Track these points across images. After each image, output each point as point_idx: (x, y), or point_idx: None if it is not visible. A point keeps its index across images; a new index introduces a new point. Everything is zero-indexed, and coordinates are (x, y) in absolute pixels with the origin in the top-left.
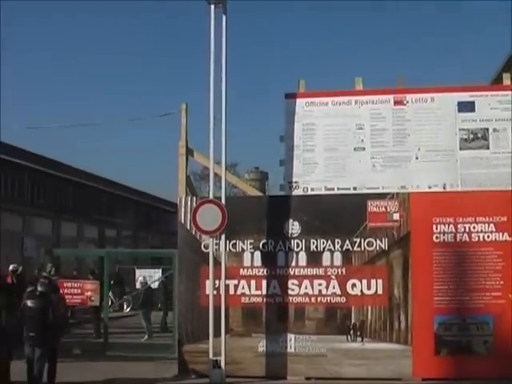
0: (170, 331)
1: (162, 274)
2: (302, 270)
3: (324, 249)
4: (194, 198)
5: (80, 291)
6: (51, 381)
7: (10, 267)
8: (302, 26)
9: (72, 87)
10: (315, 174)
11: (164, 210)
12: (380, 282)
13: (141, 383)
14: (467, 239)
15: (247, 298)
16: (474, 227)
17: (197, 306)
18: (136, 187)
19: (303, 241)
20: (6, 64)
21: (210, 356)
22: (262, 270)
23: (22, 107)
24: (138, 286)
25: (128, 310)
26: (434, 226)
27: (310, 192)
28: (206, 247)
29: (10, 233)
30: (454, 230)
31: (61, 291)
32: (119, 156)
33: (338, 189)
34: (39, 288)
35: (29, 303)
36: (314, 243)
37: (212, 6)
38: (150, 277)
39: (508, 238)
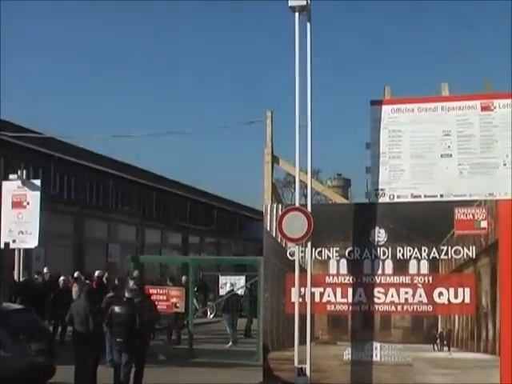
0: (253, 338)
1: (246, 280)
2: (388, 278)
3: (410, 257)
4: (280, 206)
5: (165, 298)
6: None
7: (96, 273)
8: (388, 33)
9: (160, 96)
10: (401, 180)
11: (247, 216)
12: (467, 290)
13: None
14: None
15: (333, 306)
16: None
17: (282, 314)
18: (220, 194)
19: (389, 248)
20: (94, 75)
21: (295, 364)
22: (347, 278)
23: (108, 116)
24: (221, 292)
25: (212, 316)
26: None
27: (396, 199)
28: (292, 255)
29: (96, 239)
30: None
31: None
32: (204, 163)
33: (425, 196)
34: (126, 294)
35: (116, 309)
36: (400, 251)
37: (296, 14)
38: (233, 284)
39: None
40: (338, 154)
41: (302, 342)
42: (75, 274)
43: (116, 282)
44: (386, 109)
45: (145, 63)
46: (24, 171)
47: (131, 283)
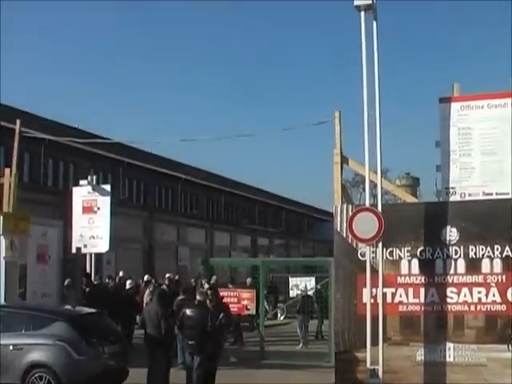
0: (324, 339)
1: (316, 282)
2: (460, 277)
3: (483, 255)
4: (350, 206)
5: (237, 300)
6: None
7: (167, 275)
8: (454, 29)
9: (224, 100)
10: (472, 178)
11: (316, 218)
12: None
13: None
14: None
15: (405, 307)
16: None
17: (353, 315)
18: (288, 196)
19: (461, 248)
20: (160, 79)
21: (368, 365)
22: (419, 278)
23: (174, 120)
24: (291, 294)
25: (282, 318)
26: None
27: (467, 197)
28: (363, 255)
29: (165, 243)
30: None
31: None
32: (272, 165)
33: (496, 194)
34: (198, 297)
35: (188, 312)
36: (472, 250)
37: (362, 13)
38: (305, 285)
39: None
40: (406, 152)
41: (374, 343)
42: (145, 278)
43: (192, 283)
44: (454, 106)
45: (210, 65)
46: (94, 177)
47: (206, 287)
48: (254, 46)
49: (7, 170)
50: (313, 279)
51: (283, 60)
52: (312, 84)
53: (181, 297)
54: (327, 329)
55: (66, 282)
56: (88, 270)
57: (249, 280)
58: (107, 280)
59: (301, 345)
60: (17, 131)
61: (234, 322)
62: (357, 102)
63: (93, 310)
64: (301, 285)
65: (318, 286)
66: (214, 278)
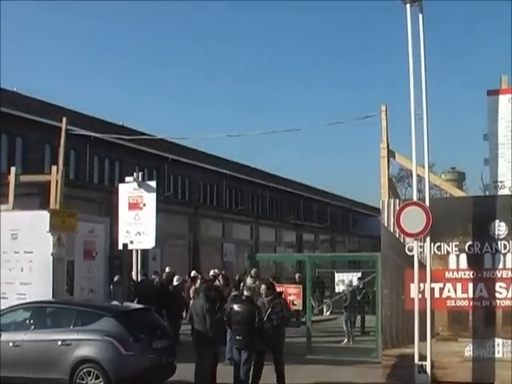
0: (369, 334)
1: (362, 277)
2: (509, 272)
3: None
4: (397, 201)
5: (283, 295)
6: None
7: (211, 272)
8: (501, 20)
9: (271, 94)
10: None
11: (361, 213)
12: None
13: None
14: None
15: (453, 302)
16: None
17: (401, 310)
18: (333, 191)
19: (510, 242)
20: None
21: (416, 361)
22: (468, 273)
23: (221, 116)
24: (337, 289)
25: (328, 313)
26: None
27: None
28: (410, 250)
29: (210, 239)
30: None
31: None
32: (317, 160)
33: None
34: (245, 292)
35: (235, 307)
36: None
37: (408, 6)
38: (351, 280)
39: None
40: (451, 146)
41: (422, 338)
42: (192, 274)
43: (237, 279)
44: (503, 98)
45: (261, 57)
46: (139, 173)
47: (249, 281)
48: (306, 38)
49: (54, 168)
50: (359, 275)
51: (329, 52)
52: (357, 76)
53: (234, 292)
54: (371, 324)
55: (115, 279)
56: (134, 266)
57: (298, 275)
58: (153, 276)
59: (346, 340)
60: (63, 129)
61: (291, 317)
62: (402, 96)
63: (140, 306)
64: (347, 280)
65: (363, 282)
66: (253, 271)
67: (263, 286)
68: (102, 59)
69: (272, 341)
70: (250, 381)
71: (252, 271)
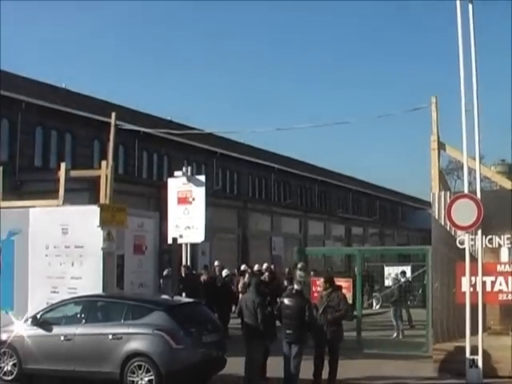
0: (416, 329)
1: (412, 271)
2: None
3: None
4: (448, 193)
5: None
6: (331, 378)
7: (255, 267)
8: None
9: (321, 87)
10: None
11: (410, 206)
12: None
13: (396, 381)
14: None
15: (505, 295)
16: None
17: (452, 304)
18: (382, 184)
19: None
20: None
21: (467, 355)
22: None
23: (271, 110)
24: (387, 283)
25: (378, 307)
26: None
27: None
28: (462, 243)
29: (259, 232)
30: None
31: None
32: (366, 153)
33: None
34: (295, 286)
35: (286, 301)
36: None
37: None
38: (397, 274)
39: None
40: (499, 138)
41: (474, 332)
42: (242, 267)
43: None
44: None
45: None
46: (188, 168)
47: (299, 275)
48: (355, 31)
49: (103, 163)
50: (409, 268)
51: (380, 45)
52: (411, 69)
53: (290, 287)
54: (417, 318)
55: (164, 272)
56: (184, 260)
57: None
58: (202, 270)
59: (395, 334)
60: (112, 124)
61: (349, 311)
62: (451, 88)
63: (190, 300)
64: (393, 274)
65: (411, 276)
66: (300, 264)
67: (321, 280)
68: (150, 56)
69: (327, 335)
70: (299, 375)
71: (299, 264)
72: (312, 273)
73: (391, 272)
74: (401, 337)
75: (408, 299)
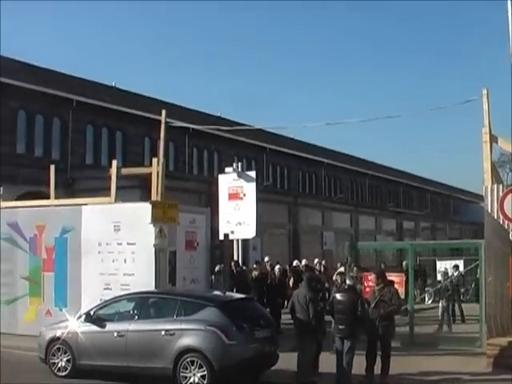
0: (466, 323)
1: (465, 265)
2: None
3: None
4: (501, 187)
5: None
6: (384, 374)
7: (303, 262)
8: None
9: (372, 80)
10: None
11: (462, 199)
12: None
13: (449, 377)
14: None
15: None
16: None
17: (506, 298)
18: (433, 178)
19: None
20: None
21: None
22: None
23: (319, 105)
24: (439, 277)
25: (430, 302)
26: None
27: None
28: None
29: (310, 228)
30: None
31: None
32: (416, 147)
33: None
34: (348, 282)
35: (338, 296)
36: None
37: None
38: (447, 269)
39: None
40: None
41: None
42: (294, 263)
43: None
44: None
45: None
46: (239, 164)
47: (353, 270)
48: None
49: (154, 160)
50: (461, 262)
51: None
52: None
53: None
54: (470, 312)
55: (216, 268)
56: (235, 256)
57: (405, 263)
58: (254, 265)
59: (447, 329)
60: (162, 121)
61: (401, 306)
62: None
63: (242, 296)
64: (444, 268)
65: (463, 271)
66: (348, 260)
67: (373, 275)
68: (200, 54)
69: (379, 330)
70: (351, 370)
71: (348, 260)
72: (355, 269)
73: (443, 266)
74: (451, 332)
75: (461, 294)
